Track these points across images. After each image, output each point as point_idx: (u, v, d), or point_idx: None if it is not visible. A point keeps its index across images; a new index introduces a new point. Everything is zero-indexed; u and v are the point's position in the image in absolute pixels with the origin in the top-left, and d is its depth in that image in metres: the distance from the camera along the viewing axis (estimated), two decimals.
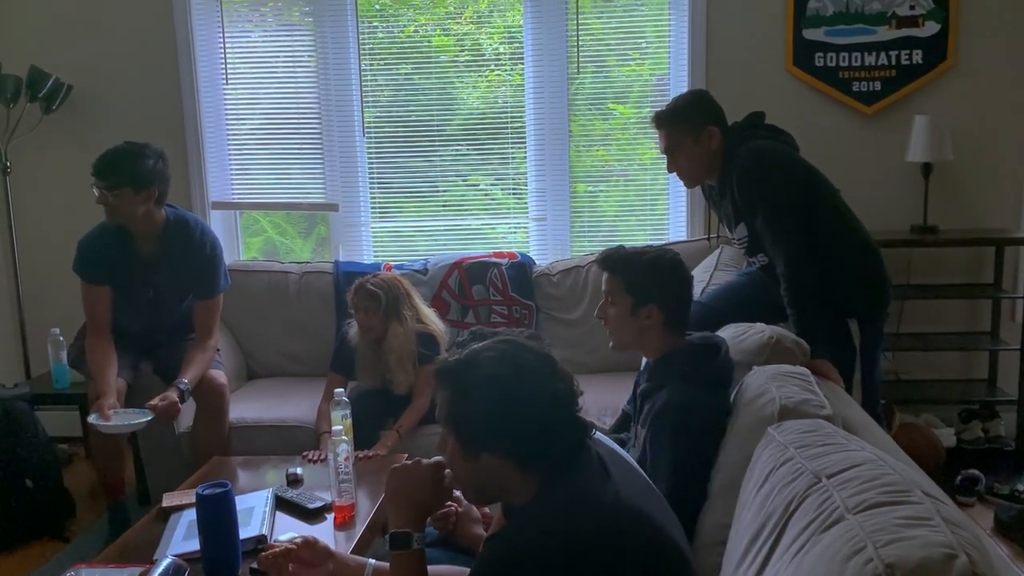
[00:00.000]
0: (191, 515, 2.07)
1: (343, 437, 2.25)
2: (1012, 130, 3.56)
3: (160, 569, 1.83)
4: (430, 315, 3.13)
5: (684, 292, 1.97)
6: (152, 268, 2.92)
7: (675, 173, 2.64)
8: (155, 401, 2.72)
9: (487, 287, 3.53)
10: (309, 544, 1.63)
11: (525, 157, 3.80)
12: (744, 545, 1.37)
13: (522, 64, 3.73)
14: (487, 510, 1.87)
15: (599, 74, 3.72)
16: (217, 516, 1.92)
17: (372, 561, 1.65)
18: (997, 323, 3.60)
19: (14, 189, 3.82)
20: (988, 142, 3.56)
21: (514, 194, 3.87)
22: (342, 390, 2.59)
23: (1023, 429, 3.46)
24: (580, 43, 3.67)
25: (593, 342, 3.32)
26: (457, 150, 3.83)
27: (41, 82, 3.62)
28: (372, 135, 3.84)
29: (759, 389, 1.77)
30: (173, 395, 2.76)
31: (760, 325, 2.15)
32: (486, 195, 3.91)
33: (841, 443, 1.41)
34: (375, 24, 3.79)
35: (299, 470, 2.51)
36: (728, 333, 2.20)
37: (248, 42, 3.84)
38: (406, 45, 3.79)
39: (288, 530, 2.06)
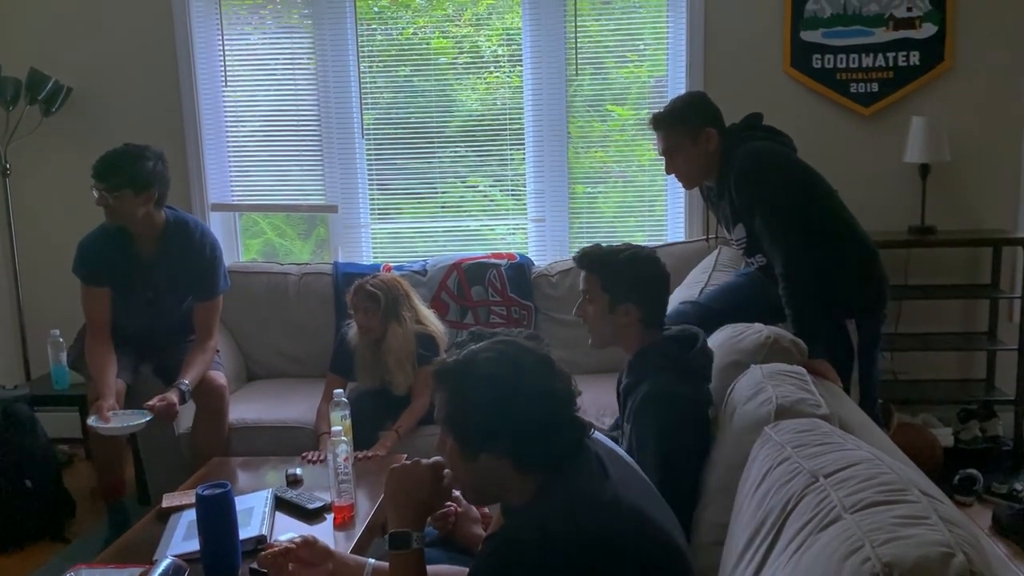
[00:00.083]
0: (191, 516, 2.08)
1: (342, 438, 2.25)
2: (1009, 131, 3.56)
3: (160, 569, 1.83)
4: (429, 316, 3.13)
5: (661, 289, 1.98)
6: (152, 270, 2.92)
7: (673, 174, 2.65)
8: (153, 402, 2.72)
9: (486, 288, 3.54)
10: (309, 543, 1.63)
11: (524, 158, 3.80)
12: (742, 545, 1.37)
13: (521, 66, 3.74)
14: (486, 510, 1.88)
15: (597, 76, 3.73)
16: (217, 516, 1.92)
17: (371, 561, 1.66)
18: (995, 323, 3.60)
19: (14, 191, 3.83)
20: (985, 143, 3.57)
21: (513, 195, 3.88)
22: (341, 391, 2.59)
23: (1021, 429, 3.47)
24: (578, 45, 3.68)
25: None
26: (456, 151, 3.84)
27: (41, 84, 3.62)
28: (371, 137, 3.85)
29: (755, 388, 1.77)
30: (172, 396, 2.77)
31: (758, 325, 2.16)
32: (485, 196, 3.92)
33: (838, 442, 1.41)
34: (374, 26, 3.79)
35: (299, 471, 2.51)
36: (726, 333, 2.20)
37: (247, 44, 3.85)
38: (405, 47, 3.80)
39: (288, 530, 2.06)
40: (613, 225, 3.85)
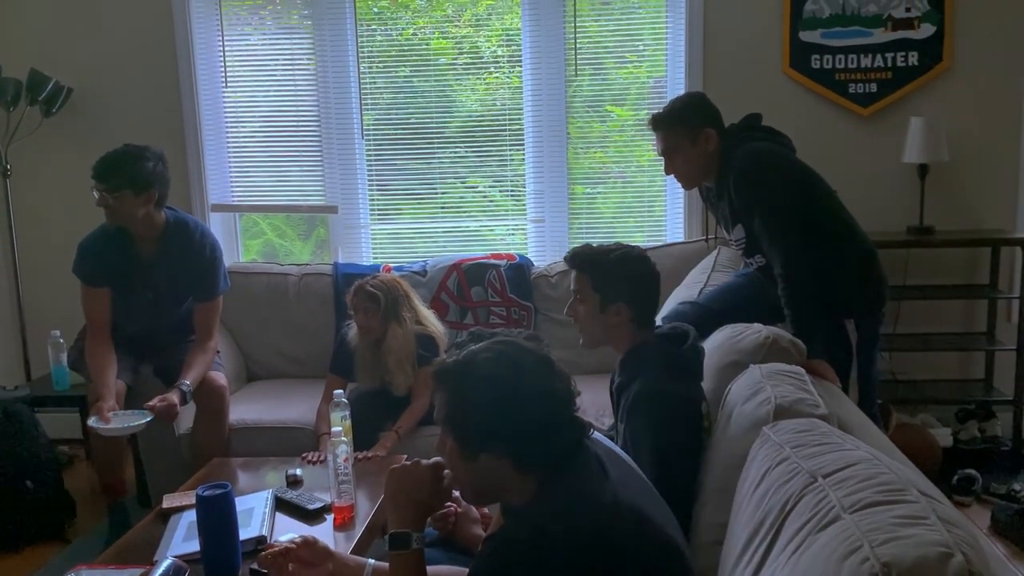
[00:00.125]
0: (191, 516, 2.08)
1: (342, 438, 2.25)
2: (1007, 131, 3.57)
3: (160, 570, 1.83)
4: (429, 316, 3.14)
5: (651, 289, 1.99)
6: (152, 270, 2.93)
7: (672, 175, 2.65)
8: (154, 402, 2.73)
9: (486, 288, 3.54)
10: (309, 544, 1.64)
11: (523, 159, 3.81)
12: (741, 545, 1.38)
13: (520, 67, 3.74)
14: (486, 510, 1.88)
15: (597, 76, 3.74)
16: (217, 517, 1.93)
17: (371, 561, 1.66)
18: (993, 323, 3.61)
19: (14, 192, 3.83)
20: (984, 143, 3.57)
21: (512, 196, 3.89)
22: (341, 391, 2.60)
23: (1019, 429, 3.47)
24: (578, 46, 3.68)
25: None
26: (456, 152, 3.84)
27: (41, 85, 3.63)
28: (371, 138, 3.85)
29: (754, 388, 1.77)
30: (173, 396, 2.77)
31: (757, 325, 2.16)
32: (484, 197, 3.93)
33: (837, 442, 1.42)
34: (374, 27, 3.80)
35: (299, 471, 2.52)
36: (725, 333, 2.21)
37: (247, 45, 3.85)
38: (405, 48, 3.81)
39: (288, 531, 2.07)
40: (612, 225, 3.86)
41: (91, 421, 2.69)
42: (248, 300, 3.59)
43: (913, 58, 3.53)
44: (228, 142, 3.92)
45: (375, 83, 3.82)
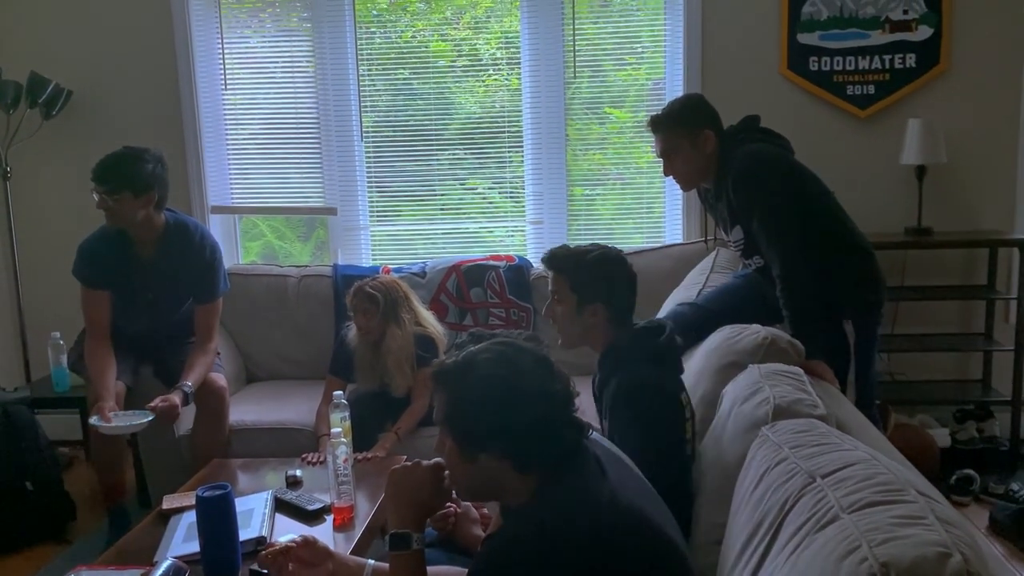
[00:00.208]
0: (191, 517, 2.08)
1: (342, 439, 2.26)
2: (1005, 132, 3.58)
3: (160, 571, 1.83)
4: (428, 318, 3.14)
5: (628, 289, 1.99)
6: (152, 272, 2.93)
7: (671, 176, 2.66)
8: (156, 403, 2.73)
9: (485, 290, 3.55)
10: (308, 543, 1.64)
11: (522, 161, 3.82)
12: (740, 545, 1.38)
13: (519, 69, 3.75)
14: (486, 511, 1.89)
15: (595, 79, 3.74)
16: (217, 518, 1.93)
17: (371, 562, 1.67)
18: (991, 324, 3.62)
19: (14, 194, 3.83)
20: (981, 145, 3.58)
21: (511, 197, 3.89)
22: (341, 392, 2.60)
23: (1017, 429, 3.48)
24: (576, 48, 3.69)
25: None
26: (455, 154, 3.85)
27: (41, 88, 3.63)
28: (370, 139, 3.86)
29: (753, 388, 1.78)
30: (175, 397, 2.77)
31: (755, 326, 2.17)
32: (484, 199, 3.93)
33: (835, 443, 1.42)
34: (373, 30, 3.81)
35: (298, 472, 2.52)
36: (724, 334, 2.21)
37: (247, 47, 3.86)
38: (404, 50, 3.81)
39: (288, 531, 2.06)
40: (611, 227, 3.86)
41: (92, 420, 2.70)
42: (248, 302, 3.59)
43: (911, 60, 3.54)
44: (228, 144, 3.93)
45: (374, 85, 3.83)
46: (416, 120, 3.82)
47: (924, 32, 3.52)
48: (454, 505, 1.82)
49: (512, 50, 3.76)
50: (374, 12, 3.81)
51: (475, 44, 3.80)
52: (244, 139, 3.93)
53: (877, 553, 1.01)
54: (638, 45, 3.73)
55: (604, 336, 1.97)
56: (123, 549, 2.16)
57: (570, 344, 2.03)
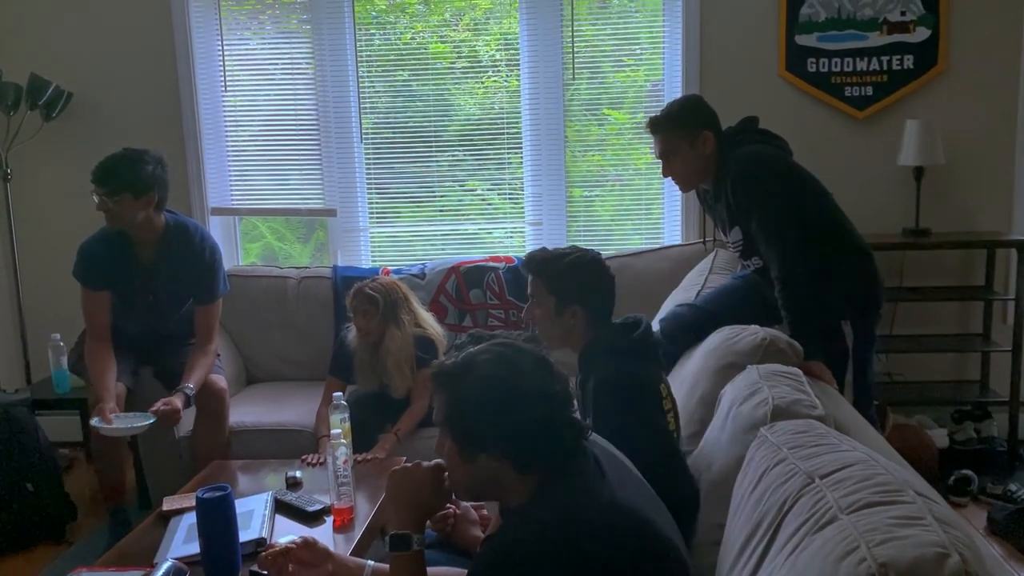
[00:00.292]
0: (191, 518, 2.09)
1: (342, 440, 2.26)
2: (1002, 133, 3.59)
3: (160, 572, 1.83)
4: (428, 319, 3.14)
5: (606, 290, 2.00)
6: (152, 273, 2.93)
7: (670, 178, 2.66)
8: (157, 406, 2.73)
9: (484, 291, 3.55)
10: (308, 544, 1.65)
11: (521, 162, 3.82)
12: (739, 546, 1.38)
13: (518, 70, 3.76)
14: (485, 512, 1.89)
15: (594, 80, 3.75)
16: (217, 519, 1.93)
17: (371, 563, 1.67)
18: (989, 325, 3.62)
19: (15, 195, 3.84)
20: (979, 146, 3.59)
21: (510, 199, 3.90)
22: (341, 394, 2.60)
23: (1015, 430, 3.48)
24: (575, 49, 3.70)
25: None
26: (454, 156, 3.86)
27: (41, 90, 3.64)
28: (370, 141, 3.86)
29: (751, 389, 1.78)
30: (176, 400, 2.78)
31: (754, 327, 2.18)
32: (483, 200, 3.94)
33: (834, 443, 1.42)
34: (372, 31, 3.81)
35: (298, 473, 2.52)
36: (722, 335, 2.22)
37: (247, 50, 3.86)
38: (403, 52, 3.82)
39: (288, 533, 2.07)
40: (610, 228, 3.87)
41: (93, 422, 2.70)
42: (248, 303, 3.59)
43: (908, 61, 3.55)
44: (227, 146, 3.93)
45: (374, 87, 3.83)
46: (415, 122, 3.83)
47: (922, 33, 3.53)
48: (453, 506, 1.82)
49: (511, 52, 3.77)
50: (373, 14, 3.81)
51: (474, 46, 3.81)
52: (244, 141, 3.94)
53: (876, 554, 1.01)
54: (637, 47, 3.73)
55: (583, 338, 1.98)
56: (123, 550, 2.16)
57: (550, 346, 2.04)
